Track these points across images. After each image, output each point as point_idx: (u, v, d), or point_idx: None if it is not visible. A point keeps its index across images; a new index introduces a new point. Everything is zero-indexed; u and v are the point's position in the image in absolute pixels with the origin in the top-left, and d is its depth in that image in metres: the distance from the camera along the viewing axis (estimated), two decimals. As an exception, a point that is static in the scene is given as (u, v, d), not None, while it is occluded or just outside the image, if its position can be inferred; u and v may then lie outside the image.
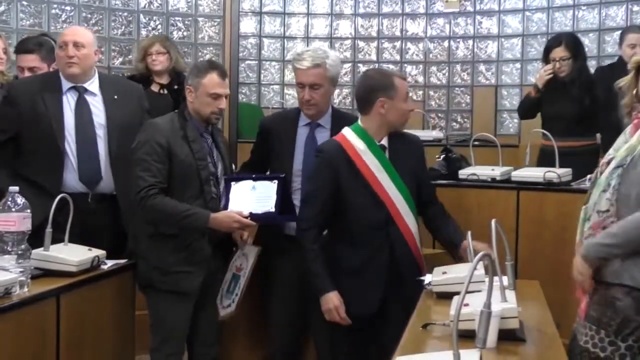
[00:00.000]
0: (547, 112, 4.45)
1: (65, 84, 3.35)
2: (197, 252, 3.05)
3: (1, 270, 2.48)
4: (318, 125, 3.30)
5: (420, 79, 6.51)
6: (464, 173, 3.96)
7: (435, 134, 5.49)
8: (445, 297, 2.59)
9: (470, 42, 6.45)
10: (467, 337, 1.88)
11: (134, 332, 3.19)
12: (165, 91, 4.74)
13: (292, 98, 6.43)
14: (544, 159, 3.93)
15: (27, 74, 3.76)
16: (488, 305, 1.79)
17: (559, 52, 4.32)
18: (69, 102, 3.34)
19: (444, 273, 2.78)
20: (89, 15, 5.75)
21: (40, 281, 2.68)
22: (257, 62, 6.58)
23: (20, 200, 2.62)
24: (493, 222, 2.28)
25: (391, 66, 6.30)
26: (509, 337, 2.16)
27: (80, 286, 2.79)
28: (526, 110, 4.61)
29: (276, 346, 3.32)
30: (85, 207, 3.25)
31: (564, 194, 3.63)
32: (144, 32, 5.99)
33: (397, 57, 6.56)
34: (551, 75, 4.32)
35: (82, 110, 3.34)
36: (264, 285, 3.28)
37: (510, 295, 2.28)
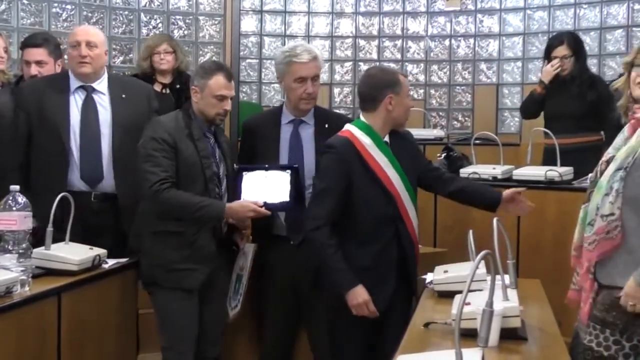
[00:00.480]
0: (549, 110, 4.46)
1: (74, 84, 3.39)
2: (201, 248, 3.05)
3: (2, 269, 2.49)
4: (301, 122, 3.31)
5: (421, 77, 6.50)
6: (465, 172, 3.96)
7: (437, 132, 5.48)
8: (447, 296, 2.59)
9: (471, 40, 6.43)
10: (469, 336, 1.88)
11: (136, 331, 3.19)
12: (168, 91, 4.74)
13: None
14: (549, 157, 3.93)
15: (34, 67, 3.76)
16: (490, 304, 1.78)
17: (561, 51, 4.34)
18: (76, 102, 3.37)
19: (445, 272, 2.78)
20: (90, 14, 5.74)
21: (41, 280, 2.69)
22: (258, 60, 6.56)
23: (21, 199, 2.62)
24: (495, 220, 2.28)
25: (392, 65, 6.28)
26: (511, 335, 2.16)
27: (82, 285, 2.79)
28: (530, 108, 4.60)
29: (269, 343, 3.36)
30: (88, 206, 3.27)
31: (565, 193, 3.63)
32: (144, 31, 5.98)
33: (398, 56, 6.55)
34: (558, 71, 4.33)
35: (88, 109, 3.37)
36: (257, 285, 3.30)
37: (512, 294, 2.28)
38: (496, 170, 3.89)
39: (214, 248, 3.10)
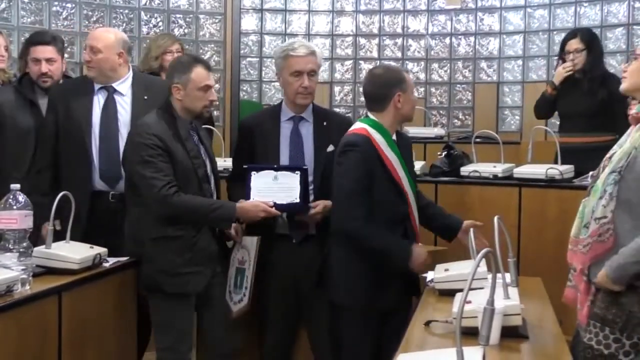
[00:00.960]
0: (562, 109, 4.44)
1: (97, 85, 3.45)
2: (203, 250, 3.04)
3: (3, 268, 2.48)
4: (301, 119, 3.31)
5: (422, 76, 6.49)
6: (465, 170, 3.96)
7: (437, 131, 5.46)
8: (448, 294, 2.59)
9: (472, 38, 6.43)
10: (470, 334, 1.88)
11: (136, 329, 3.19)
12: None
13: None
14: (562, 156, 3.90)
15: (44, 65, 3.75)
16: (491, 302, 1.78)
17: (574, 44, 4.32)
18: (98, 102, 3.43)
19: (446, 270, 2.78)
20: (90, 13, 5.74)
21: (42, 279, 2.68)
22: (258, 59, 6.56)
23: (21, 198, 2.63)
24: (496, 219, 2.28)
25: (392, 63, 6.28)
26: (512, 334, 2.16)
27: (82, 284, 2.79)
28: (542, 109, 4.58)
29: (270, 342, 3.35)
30: (107, 206, 3.33)
31: (566, 191, 3.62)
32: (145, 30, 5.98)
33: (399, 54, 6.55)
34: (570, 73, 4.31)
35: (108, 110, 3.42)
36: (258, 283, 3.29)
37: (513, 292, 2.28)
38: (497, 168, 3.88)
39: (215, 248, 3.10)
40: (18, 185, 2.66)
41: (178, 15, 6.11)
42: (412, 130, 4.94)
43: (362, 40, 6.59)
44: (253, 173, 3.14)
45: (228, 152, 4.35)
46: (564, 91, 4.38)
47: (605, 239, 2.23)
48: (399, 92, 2.98)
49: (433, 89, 6.53)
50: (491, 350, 1.96)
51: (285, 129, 3.30)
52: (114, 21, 5.84)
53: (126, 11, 5.90)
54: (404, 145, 3.12)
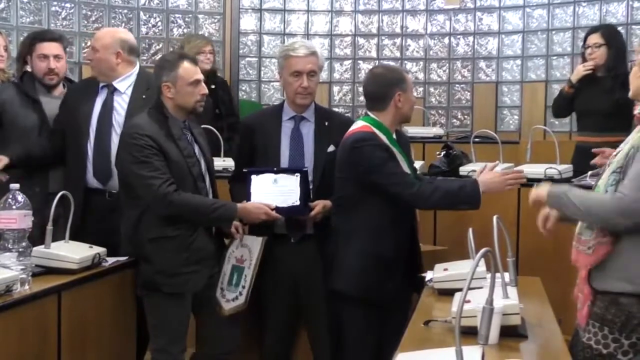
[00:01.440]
0: (578, 107, 4.41)
1: (101, 84, 3.53)
2: (201, 249, 3.03)
3: (2, 268, 2.48)
4: (302, 119, 3.31)
5: (421, 75, 6.50)
6: (464, 170, 3.96)
7: (436, 130, 5.47)
8: (447, 293, 2.59)
9: (471, 38, 6.43)
10: (469, 333, 1.88)
11: (136, 329, 3.18)
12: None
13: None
14: (579, 155, 3.88)
15: (52, 61, 3.73)
16: (490, 301, 1.78)
17: (594, 39, 4.29)
18: (100, 101, 3.49)
19: (445, 270, 2.78)
20: (89, 13, 5.75)
21: (41, 279, 2.68)
22: (257, 59, 6.57)
23: (21, 197, 2.62)
24: (495, 218, 2.28)
25: (391, 63, 6.28)
26: (511, 333, 2.16)
27: (82, 283, 2.79)
28: (559, 108, 4.56)
29: (269, 342, 3.35)
30: (103, 205, 3.37)
31: (565, 191, 3.61)
32: (144, 29, 5.99)
33: (398, 54, 6.55)
34: (590, 72, 4.28)
35: (105, 108, 3.47)
36: (257, 283, 3.29)
37: (512, 291, 2.28)
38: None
39: (212, 247, 3.10)
40: (17, 185, 2.65)
41: (177, 15, 6.12)
42: (411, 130, 4.95)
43: (361, 40, 6.59)
44: (253, 176, 3.14)
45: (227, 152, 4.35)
46: (582, 89, 4.33)
47: (606, 241, 2.23)
48: (399, 92, 3.00)
49: (432, 89, 6.53)
50: (490, 350, 1.96)
51: (286, 128, 3.29)
52: (113, 21, 5.84)
53: (125, 11, 5.90)
54: (404, 144, 3.14)
